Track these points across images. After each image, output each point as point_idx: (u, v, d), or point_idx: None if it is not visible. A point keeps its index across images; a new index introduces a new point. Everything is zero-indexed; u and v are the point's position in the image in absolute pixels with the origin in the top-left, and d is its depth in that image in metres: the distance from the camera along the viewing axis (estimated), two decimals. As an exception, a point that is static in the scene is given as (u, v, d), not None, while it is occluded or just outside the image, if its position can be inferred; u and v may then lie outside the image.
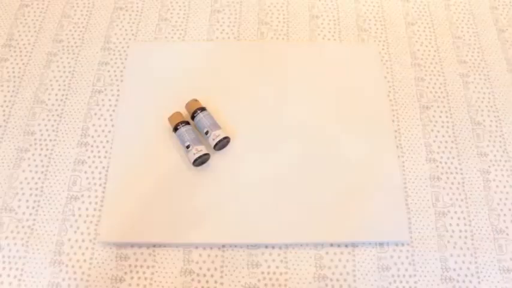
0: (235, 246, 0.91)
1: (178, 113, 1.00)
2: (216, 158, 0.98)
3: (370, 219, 0.92)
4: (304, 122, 1.02)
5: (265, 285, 0.88)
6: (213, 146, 0.97)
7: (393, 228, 0.92)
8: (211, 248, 0.91)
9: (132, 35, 1.14)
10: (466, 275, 0.90)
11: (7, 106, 1.05)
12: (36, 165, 0.98)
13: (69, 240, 0.91)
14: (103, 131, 1.02)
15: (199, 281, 0.88)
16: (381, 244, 0.92)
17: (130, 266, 0.89)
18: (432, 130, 1.04)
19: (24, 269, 0.89)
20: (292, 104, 1.04)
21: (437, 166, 1.00)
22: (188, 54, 1.10)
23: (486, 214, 0.96)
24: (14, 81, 1.08)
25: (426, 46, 1.15)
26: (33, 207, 0.94)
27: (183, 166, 0.97)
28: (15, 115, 1.04)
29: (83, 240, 0.91)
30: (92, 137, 1.01)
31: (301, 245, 0.92)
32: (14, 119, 1.03)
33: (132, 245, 0.91)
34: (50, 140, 1.01)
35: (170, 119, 0.99)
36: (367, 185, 0.96)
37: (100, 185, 0.96)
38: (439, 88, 1.09)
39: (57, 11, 1.18)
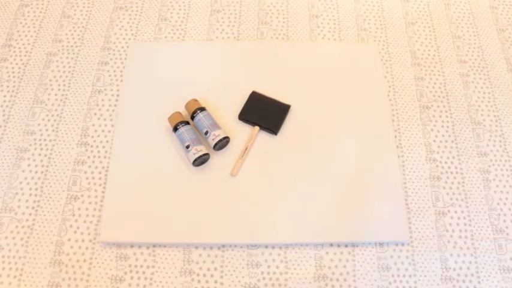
0: (235, 246, 0.91)
1: (178, 113, 1.00)
2: (216, 158, 0.98)
3: (370, 219, 0.92)
4: (303, 121, 1.02)
5: (265, 285, 0.88)
6: (212, 146, 0.97)
7: (393, 229, 0.92)
8: (211, 248, 0.91)
9: (132, 35, 1.14)
10: (466, 275, 0.90)
11: (7, 106, 1.05)
12: (36, 165, 0.98)
13: (69, 240, 0.91)
14: (103, 131, 1.02)
15: (199, 281, 0.88)
16: (381, 244, 0.92)
17: (130, 266, 0.89)
18: (432, 130, 1.04)
19: (24, 269, 0.89)
20: (292, 103, 1.04)
21: (437, 166, 1.00)
22: (188, 54, 1.10)
23: (486, 214, 0.96)
24: (14, 81, 1.08)
25: (426, 46, 1.15)
26: (33, 207, 0.94)
27: (183, 166, 0.97)
28: (15, 115, 1.04)
29: (83, 240, 0.91)
30: (92, 137, 1.01)
31: (301, 245, 0.92)
32: (14, 119, 1.03)
33: (132, 245, 0.91)
34: (50, 140, 1.01)
35: (170, 119, 0.99)
36: (367, 184, 0.96)
37: (100, 185, 0.96)
38: (439, 88, 1.09)
39: (57, 11, 1.18)
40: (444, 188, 0.98)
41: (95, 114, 1.04)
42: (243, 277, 0.89)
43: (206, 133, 0.97)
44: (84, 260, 0.90)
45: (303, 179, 0.96)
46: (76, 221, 0.93)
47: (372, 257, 0.91)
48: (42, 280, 0.88)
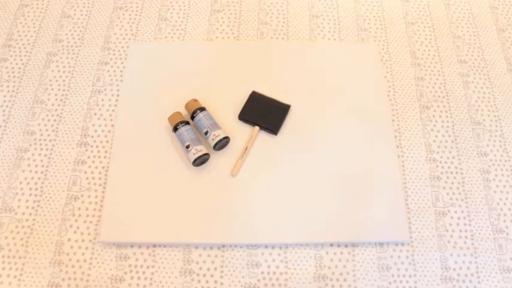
0: (235, 246, 0.91)
1: (178, 113, 1.00)
2: (216, 158, 0.98)
3: (370, 219, 0.92)
4: (303, 121, 1.02)
5: (265, 285, 0.88)
6: (212, 146, 0.97)
7: (393, 228, 0.92)
8: (211, 248, 0.91)
9: (132, 35, 1.14)
10: (466, 275, 0.90)
11: (7, 106, 1.05)
12: (36, 165, 0.98)
13: (69, 240, 0.91)
14: (103, 131, 1.02)
15: (199, 281, 0.88)
16: (381, 244, 0.92)
17: (130, 266, 0.89)
18: (432, 130, 1.04)
19: (24, 269, 0.89)
20: (292, 103, 1.04)
21: (437, 166, 1.00)
22: (188, 54, 1.10)
23: (486, 214, 0.96)
24: (14, 81, 1.08)
25: (426, 46, 1.15)
26: (33, 207, 0.94)
27: (183, 166, 0.97)
28: (15, 115, 1.04)
29: (83, 240, 0.91)
30: (92, 137, 1.01)
31: (301, 245, 0.92)
32: (14, 119, 1.03)
33: (132, 245, 0.91)
34: (50, 140, 1.01)
35: (170, 119, 0.99)
36: (367, 184, 0.96)
37: (100, 185, 0.96)
38: (439, 88, 1.09)
39: (57, 11, 1.18)
40: (444, 188, 0.98)
41: (95, 114, 1.04)
42: (243, 277, 0.89)
43: (206, 133, 0.97)
44: (84, 260, 0.90)
45: (303, 179, 0.96)
46: (76, 221, 0.93)
47: (372, 257, 0.91)
48: (42, 280, 0.88)
